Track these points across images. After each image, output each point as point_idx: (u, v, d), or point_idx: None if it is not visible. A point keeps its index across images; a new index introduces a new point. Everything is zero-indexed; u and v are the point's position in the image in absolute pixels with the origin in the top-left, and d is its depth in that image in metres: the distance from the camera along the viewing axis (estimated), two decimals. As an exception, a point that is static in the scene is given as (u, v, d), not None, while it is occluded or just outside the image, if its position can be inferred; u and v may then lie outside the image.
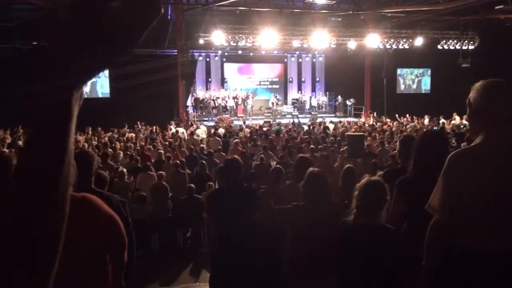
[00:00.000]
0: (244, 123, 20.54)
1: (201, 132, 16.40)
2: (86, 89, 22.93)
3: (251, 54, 26.33)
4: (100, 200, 2.52)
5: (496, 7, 19.01)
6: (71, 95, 0.68)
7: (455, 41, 23.53)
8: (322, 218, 3.44)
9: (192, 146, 11.64)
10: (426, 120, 19.91)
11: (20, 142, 13.09)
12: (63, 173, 0.69)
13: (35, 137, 0.69)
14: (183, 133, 15.83)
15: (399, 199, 3.02)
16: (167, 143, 12.92)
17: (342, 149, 10.58)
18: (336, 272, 3.21)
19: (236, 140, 12.64)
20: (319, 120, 22.30)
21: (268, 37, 20.28)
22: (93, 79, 22.65)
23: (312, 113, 25.82)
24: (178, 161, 9.45)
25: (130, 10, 0.66)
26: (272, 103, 25.33)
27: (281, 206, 3.94)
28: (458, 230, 2.22)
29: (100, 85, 22.98)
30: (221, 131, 16.52)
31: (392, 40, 23.05)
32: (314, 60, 30.43)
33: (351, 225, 3.02)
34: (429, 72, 28.22)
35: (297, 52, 28.82)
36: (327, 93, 29.60)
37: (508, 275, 2.12)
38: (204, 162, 9.49)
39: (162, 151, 10.58)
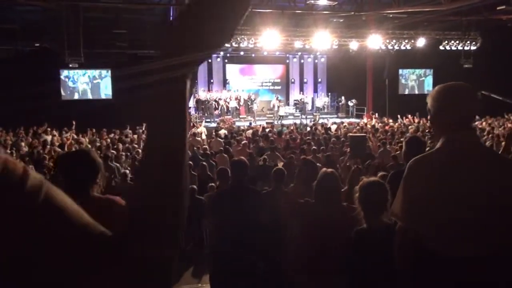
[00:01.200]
0: (250, 124, 20.53)
1: (201, 132, 16.41)
2: (88, 91, 22.99)
3: (253, 55, 26.35)
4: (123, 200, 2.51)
5: (498, 8, 18.97)
6: (186, 78, 0.81)
7: (457, 42, 23.50)
8: (332, 218, 3.45)
9: (194, 148, 11.63)
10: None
11: (23, 144, 13.10)
12: (185, 149, 0.78)
13: (161, 115, 0.79)
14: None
15: None
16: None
17: (346, 150, 10.58)
18: (340, 273, 3.21)
19: (244, 141, 12.61)
20: (321, 121, 22.29)
21: (270, 38, 20.28)
22: (98, 80, 22.77)
23: (314, 114, 25.83)
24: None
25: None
26: (273, 105, 25.34)
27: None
28: (424, 235, 2.21)
29: (105, 86, 22.96)
30: (222, 132, 16.52)
31: (394, 41, 23.04)
32: (316, 61, 30.43)
33: (365, 229, 3.03)
34: (431, 72, 28.18)
35: (299, 53, 28.83)
36: (329, 94, 29.60)
37: (476, 280, 2.11)
38: (204, 163, 9.49)
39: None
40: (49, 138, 14.22)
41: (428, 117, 2.39)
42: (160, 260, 0.75)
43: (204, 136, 15.92)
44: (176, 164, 0.76)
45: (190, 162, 9.58)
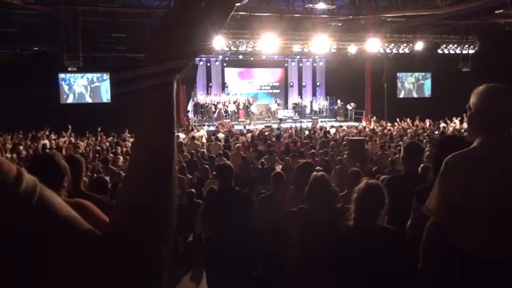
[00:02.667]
0: (245, 127, 20.54)
1: (201, 136, 16.41)
2: (87, 95, 22.98)
3: (252, 58, 26.37)
4: (93, 204, 2.47)
5: (496, 12, 19.05)
6: (173, 77, 0.80)
7: (455, 46, 23.56)
8: (327, 221, 3.45)
9: (193, 151, 11.64)
10: (427, 124, 19.90)
11: (21, 147, 13.09)
12: (173, 147, 0.80)
13: (148, 112, 0.80)
14: (184, 138, 15.84)
15: (419, 206, 3.01)
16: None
17: (343, 154, 10.58)
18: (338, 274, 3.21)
19: (238, 144, 12.63)
20: (320, 124, 22.31)
21: (268, 42, 20.32)
22: (97, 84, 22.76)
23: (313, 117, 25.84)
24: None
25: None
26: (272, 108, 25.37)
27: (287, 210, 3.95)
28: (457, 233, 2.21)
29: (105, 89, 22.94)
30: (221, 135, 16.52)
31: (392, 44, 23.08)
32: (315, 64, 30.48)
33: (350, 228, 3.02)
34: (429, 76, 28.23)
35: (298, 57, 28.88)
36: (328, 97, 29.62)
37: (507, 282, 2.11)
38: (207, 166, 9.50)
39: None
40: (47, 142, 14.20)
41: (467, 114, 2.36)
42: (154, 258, 0.77)
43: (204, 140, 15.91)
44: (164, 170, 0.78)
45: (184, 165, 9.61)
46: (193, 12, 0.78)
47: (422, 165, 4.73)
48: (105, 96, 22.94)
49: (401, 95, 27.99)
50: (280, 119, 24.74)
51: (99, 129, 16.37)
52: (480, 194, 2.12)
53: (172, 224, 0.79)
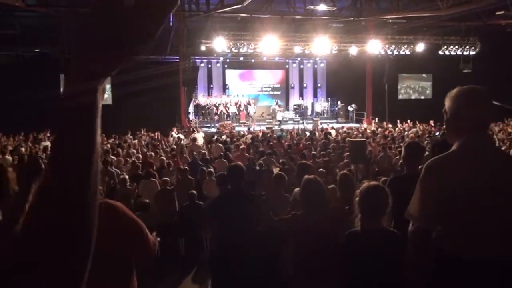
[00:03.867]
0: (249, 129, 20.54)
1: (199, 137, 16.38)
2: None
3: (253, 60, 26.39)
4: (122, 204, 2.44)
5: (497, 13, 19.05)
6: (96, 90, 0.70)
7: (456, 47, 23.57)
8: (321, 224, 3.45)
9: (194, 153, 11.62)
10: (430, 126, 19.88)
11: (23, 149, 13.11)
12: (93, 172, 0.70)
13: (64, 136, 0.70)
14: (183, 139, 15.81)
15: None
16: (168, 149, 12.92)
17: (344, 155, 10.57)
18: (338, 278, 3.21)
19: (242, 146, 12.61)
20: (321, 126, 22.29)
21: (269, 43, 20.33)
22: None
23: (314, 119, 25.83)
24: (182, 167, 9.44)
25: (146, 4, 0.68)
26: (273, 109, 25.36)
27: (280, 217, 3.93)
28: (441, 237, 2.22)
29: (106, 91, 22.98)
30: (225, 137, 16.50)
31: (393, 46, 23.10)
32: (316, 66, 30.49)
33: (358, 232, 3.02)
34: (430, 77, 28.22)
35: (299, 58, 28.89)
36: (329, 99, 29.62)
37: (496, 283, 2.11)
38: (204, 168, 9.49)
39: (164, 158, 10.59)
40: (49, 143, 14.22)
41: (445, 118, 2.37)
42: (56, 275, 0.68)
43: (199, 142, 15.85)
44: (80, 176, 0.69)
45: (187, 168, 9.60)
46: (114, 13, 0.67)
47: (420, 166, 4.70)
48: (106, 97, 22.98)
49: (403, 97, 27.99)
50: (280, 121, 24.77)
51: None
52: (460, 196, 2.13)
53: (88, 235, 0.70)
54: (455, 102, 2.29)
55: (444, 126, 2.44)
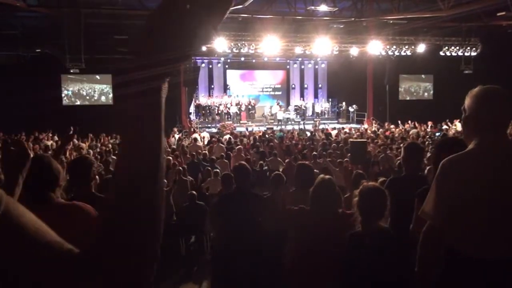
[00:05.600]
0: (247, 129, 20.55)
1: (203, 137, 16.41)
2: (89, 96, 23.02)
3: (254, 61, 26.40)
4: (91, 207, 2.42)
5: (498, 14, 19.03)
6: (160, 87, 0.74)
7: (457, 48, 23.53)
8: (326, 224, 3.45)
9: (194, 153, 11.62)
10: (429, 126, 19.88)
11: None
12: (160, 160, 0.74)
13: (133, 120, 0.73)
14: (184, 139, 15.84)
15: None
16: (169, 149, 12.92)
17: (345, 156, 10.56)
18: (337, 279, 3.21)
19: (239, 146, 12.63)
20: (321, 126, 22.30)
21: (270, 44, 20.33)
22: (100, 86, 22.79)
23: (315, 119, 25.84)
24: (180, 168, 9.44)
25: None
26: (273, 110, 25.36)
27: (289, 207, 3.94)
28: (455, 236, 2.22)
29: (108, 91, 22.98)
30: (226, 137, 16.52)
31: (394, 46, 23.07)
32: (317, 66, 30.49)
33: (359, 233, 3.03)
34: (431, 78, 28.20)
35: (300, 59, 28.89)
36: (330, 99, 29.64)
37: (507, 283, 2.11)
38: (209, 168, 9.51)
39: (171, 158, 10.59)
40: (50, 143, 14.22)
41: (463, 116, 2.37)
42: (136, 277, 0.70)
43: (205, 141, 15.91)
44: (151, 176, 0.72)
45: (185, 166, 9.61)
46: (179, 13, 0.70)
47: (428, 167, 4.70)
48: (108, 98, 23.01)
49: (404, 97, 27.98)
50: (280, 120, 24.75)
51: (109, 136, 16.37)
52: (475, 195, 2.13)
53: (157, 239, 0.73)
54: (475, 101, 2.29)
55: (462, 123, 2.43)
